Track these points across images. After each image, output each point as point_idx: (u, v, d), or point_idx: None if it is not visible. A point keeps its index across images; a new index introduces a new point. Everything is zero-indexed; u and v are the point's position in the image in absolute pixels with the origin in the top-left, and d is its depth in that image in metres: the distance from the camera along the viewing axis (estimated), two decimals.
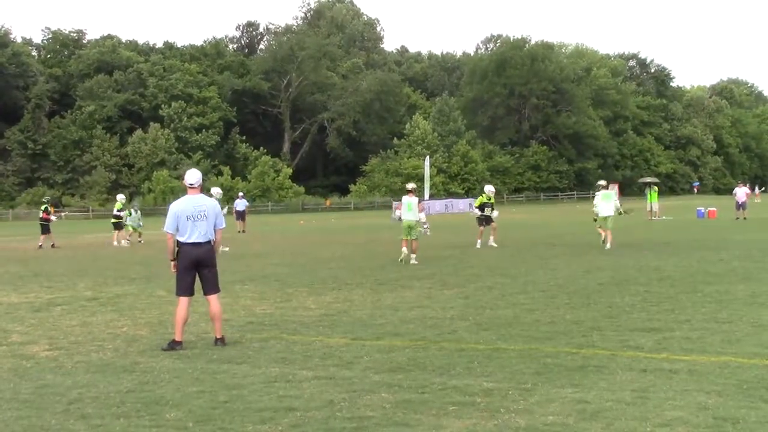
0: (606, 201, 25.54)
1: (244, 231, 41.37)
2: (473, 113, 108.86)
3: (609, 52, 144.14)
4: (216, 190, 29.28)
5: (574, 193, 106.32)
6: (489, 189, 28.53)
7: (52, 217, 33.19)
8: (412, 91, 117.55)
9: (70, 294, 16.27)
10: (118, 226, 34.17)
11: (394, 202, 76.20)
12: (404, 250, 21.86)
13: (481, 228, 27.53)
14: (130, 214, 35.42)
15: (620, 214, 27.38)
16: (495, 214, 27.91)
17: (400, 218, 23.15)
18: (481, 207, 27.74)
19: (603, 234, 25.20)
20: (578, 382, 7.81)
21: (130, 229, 35.34)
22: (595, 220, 26.70)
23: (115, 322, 12.45)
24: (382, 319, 11.93)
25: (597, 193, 26.57)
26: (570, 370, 8.34)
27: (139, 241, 34.91)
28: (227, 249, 27.24)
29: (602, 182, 27.06)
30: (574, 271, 17.89)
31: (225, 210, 29.93)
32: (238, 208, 44.87)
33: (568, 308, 12.49)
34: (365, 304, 13.68)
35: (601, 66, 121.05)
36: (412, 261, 21.28)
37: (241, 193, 51.92)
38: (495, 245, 26.71)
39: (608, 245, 24.09)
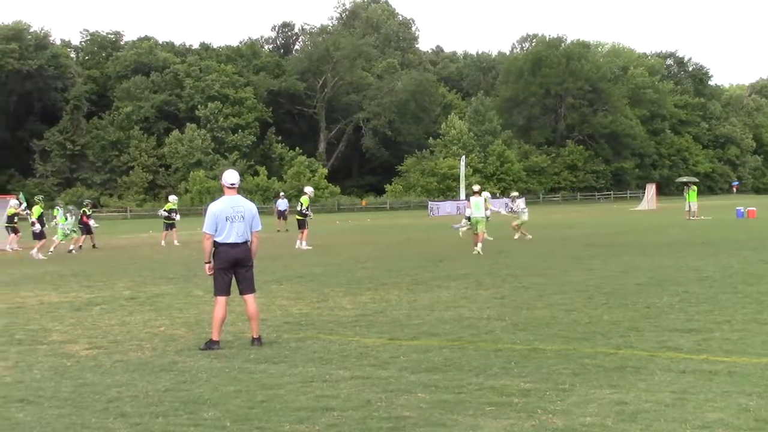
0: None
1: (287, 230, 41.92)
2: (509, 113, 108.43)
3: (646, 50, 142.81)
4: (309, 189, 30.87)
5: (611, 192, 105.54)
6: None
7: (91, 222, 33.02)
8: (448, 91, 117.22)
9: (109, 293, 16.42)
10: (170, 226, 34.39)
11: (430, 203, 76.25)
12: (477, 247, 24.34)
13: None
14: (65, 219, 31.63)
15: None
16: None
17: (469, 218, 26.47)
18: None
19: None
20: (616, 383, 7.76)
21: (61, 237, 31.39)
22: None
23: (153, 321, 12.54)
24: (419, 319, 11.92)
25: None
26: (608, 370, 8.28)
27: (70, 250, 30.97)
28: (310, 248, 28.47)
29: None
30: (612, 271, 17.76)
31: (307, 210, 30.40)
32: (279, 208, 46.09)
33: (606, 308, 12.40)
34: (401, 304, 13.67)
35: (638, 65, 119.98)
36: (480, 251, 23.98)
37: (282, 193, 52.63)
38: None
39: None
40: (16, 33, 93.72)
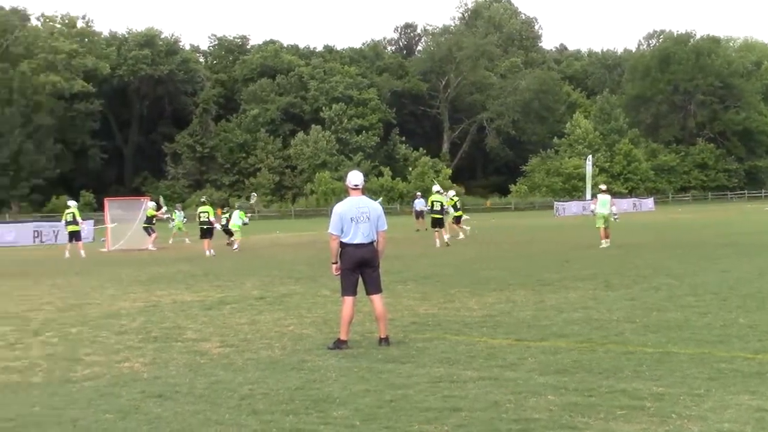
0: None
1: (426, 229, 42.29)
2: (635, 111, 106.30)
3: None
4: (438, 187, 32.58)
5: (745, 192, 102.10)
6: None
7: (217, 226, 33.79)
8: (572, 90, 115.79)
9: (239, 293, 16.77)
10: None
11: (556, 203, 75.55)
12: (603, 242, 26.23)
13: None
14: (176, 215, 38.07)
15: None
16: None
17: (593, 212, 28.20)
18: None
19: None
20: (755, 389, 7.48)
21: (175, 229, 39.29)
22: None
23: (282, 320, 12.73)
24: (546, 320, 11.78)
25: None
26: (746, 376, 8.01)
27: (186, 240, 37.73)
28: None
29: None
30: (747, 273, 17.19)
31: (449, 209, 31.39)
32: (416, 208, 46.46)
33: (742, 311, 11.98)
34: (528, 304, 13.54)
35: None
36: (605, 244, 26.04)
37: (419, 193, 52.88)
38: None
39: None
40: (149, 39, 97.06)
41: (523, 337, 10.56)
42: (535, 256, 24.06)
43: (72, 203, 33.64)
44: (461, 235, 34.39)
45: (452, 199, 34.43)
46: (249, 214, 35.01)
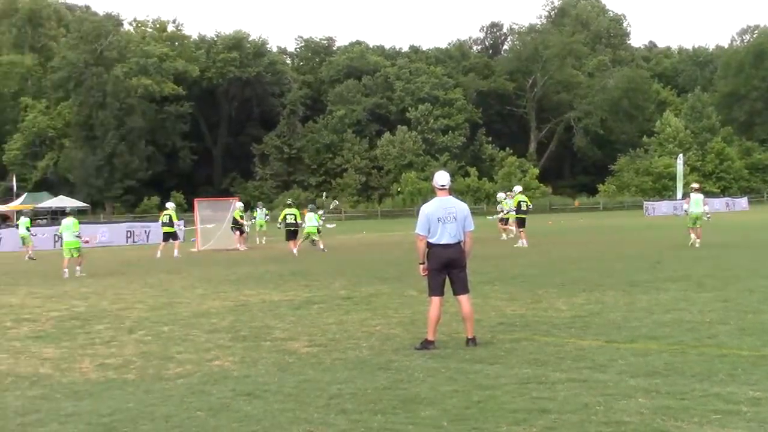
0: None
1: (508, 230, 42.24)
2: (728, 108, 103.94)
3: None
4: (519, 188, 32.91)
5: None
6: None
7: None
8: (662, 88, 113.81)
9: (326, 293, 16.87)
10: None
11: (646, 203, 74.37)
12: (693, 236, 26.68)
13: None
14: (257, 213, 42.23)
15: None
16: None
17: (686, 211, 28.08)
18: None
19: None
20: None
21: (257, 227, 41.74)
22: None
23: (369, 320, 12.78)
24: (637, 322, 11.58)
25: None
26: None
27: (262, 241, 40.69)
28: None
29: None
30: None
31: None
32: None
33: None
34: (618, 306, 13.33)
35: None
36: (696, 244, 26.17)
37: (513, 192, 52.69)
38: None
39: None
40: (237, 42, 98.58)
41: (612, 338, 10.40)
42: (625, 257, 23.68)
43: (170, 205, 34.49)
44: (504, 236, 34.83)
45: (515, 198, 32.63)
46: (323, 218, 35.25)
